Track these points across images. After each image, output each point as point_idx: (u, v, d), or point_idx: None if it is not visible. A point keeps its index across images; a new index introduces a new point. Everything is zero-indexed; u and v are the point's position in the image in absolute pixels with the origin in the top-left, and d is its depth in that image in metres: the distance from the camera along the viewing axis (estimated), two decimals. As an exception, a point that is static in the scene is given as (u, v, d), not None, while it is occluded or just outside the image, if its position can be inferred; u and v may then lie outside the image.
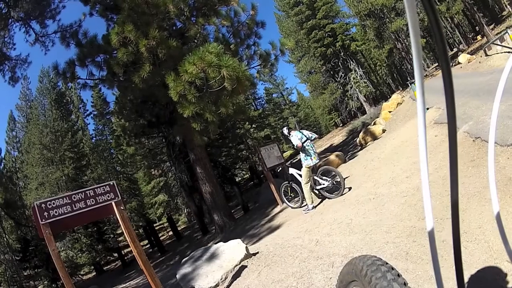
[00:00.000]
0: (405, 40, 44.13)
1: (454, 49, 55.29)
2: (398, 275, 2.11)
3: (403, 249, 4.68)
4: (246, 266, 7.27)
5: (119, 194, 6.32)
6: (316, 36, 48.90)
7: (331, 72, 51.55)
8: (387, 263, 2.22)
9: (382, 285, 2.07)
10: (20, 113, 50.43)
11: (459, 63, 33.55)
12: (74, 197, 5.94)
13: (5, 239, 21.87)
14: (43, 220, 5.53)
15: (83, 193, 6.06)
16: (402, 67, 50.14)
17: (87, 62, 14.50)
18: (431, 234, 1.27)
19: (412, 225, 5.19)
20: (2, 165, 44.09)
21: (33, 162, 35.72)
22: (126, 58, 12.50)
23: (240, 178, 49.88)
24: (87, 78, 15.04)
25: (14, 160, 49.03)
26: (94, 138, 49.79)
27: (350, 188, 9.95)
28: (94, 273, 33.85)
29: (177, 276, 8.26)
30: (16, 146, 50.33)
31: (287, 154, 45.64)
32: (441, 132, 9.99)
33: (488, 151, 1.58)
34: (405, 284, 2.07)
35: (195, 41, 15.80)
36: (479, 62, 26.95)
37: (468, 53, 35.76)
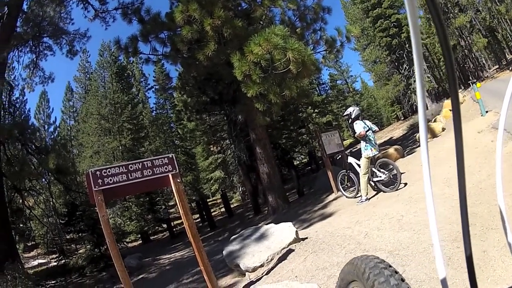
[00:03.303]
0: (468, 38, 43.03)
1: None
2: (402, 280, 2.06)
3: (446, 254, 4.59)
4: (293, 250, 7.28)
5: (177, 167, 6.38)
6: (382, 26, 48.15)
7: (396, 64, 50.72)
8: (390, 266, 2.17)
9: None
10: (78, 84, 51.96)
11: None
12: (131, 167, 6.05)
13: (51, 203, 22.37)
14: (96, 186, 5.62)
15: (141, 164, 6.16)
16: (465, 65, 48.98)
17: (150, 38, 14.75)
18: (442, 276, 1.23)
19: (459, 230, 5.00)
20: (57, 132, 45.33)
21: (89, 131, 36.63)
22: (190, 36, 12.63)
23: (298, 162, 50.08)
24: (150, 53, 15.28)
25: (69, 128, 50.47)
26: (154, 112, 50.46)
27: (405, 184, 9.79)
28: (140, 241, 34.56)
29: (223, 252, 8.37)
30: (73, 115, 51.77)
31: (347, 142, 45.27)
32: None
33: (496, 155, 1.53)
34: None
35: (261, 22, 15.81)
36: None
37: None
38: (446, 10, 42.08)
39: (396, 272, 2.11)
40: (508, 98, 1.34)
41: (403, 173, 10.34)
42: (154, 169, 6.23)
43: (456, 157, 1.03)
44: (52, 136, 41.81)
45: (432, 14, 0.81)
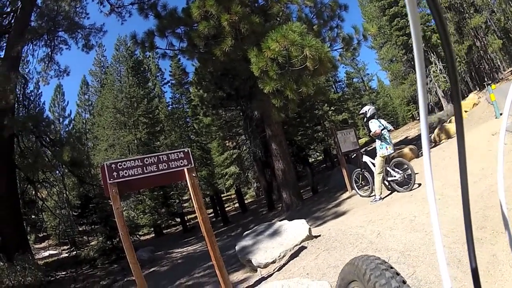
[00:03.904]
0: (483, 39, 42.65)
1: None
2: (403, 282, 2.06)
3: (456, 256, 4.60)
4: (305, 247, 7.31)
5: (192, 162, 6.44)
6: (399, 24, 47.55)
7: (412, 63, 49.84)
8: (391, 267, 2.17)
9: None
10: (93, 78, 52.48)
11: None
12: (147, 160, 6.11)
13: (64, 195, 22.62)
14: (111, 179, 5.70)
15: (156, 157, 6.22)
16: (480, 66, 48.45)
17: (166, 33, 14.87)
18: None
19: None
20: (72, 125, 45.72)
21: (104, 124, 36.89)
22: (207, 31, 12.76)
23: (313, 159, 50.19)
24: (167, 48, 15.43)
25: (84, 121, 50.87)
26: (170, 106, 50.69)
27: (419, 184, 9.74)
28: (153, 234, 34.74)
29: (236, 247, 8.44)
30: (88, 109, 52.29)
31: (362, 141, 45.18)
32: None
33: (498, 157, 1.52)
34: None
35: (278, 19, 15.88)
36: None
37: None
38: (462, 10, 41.80)
39: (398, 274, 2.11)
40: (511, 100, 1.34)
41: (417, 173, 10.30)
42: (170, 163, 6.28)
43: (459, 166, 1.03)
44: (67, 129, 42.26)
45: (433, 14, 0.81)
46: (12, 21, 19.04)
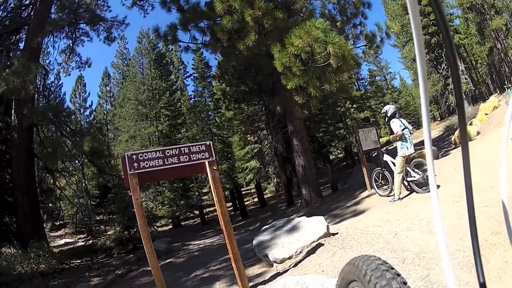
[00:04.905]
0: (504, 41, 42.13)
1: None
2: (404, 283, 2.06)
3: (470, 261, 4.56)
4: (322, 245, 7.32)
5: (213, 154, 6.48)
6: (421, 23, 47.16)
7: (434, 63, 49.45)
8: (392, 268, 2.18)
9: None
10: (115, 70, 52.59)
11: None
12: (168, 152, 6.16)
13: (83, 184, 22.86)
14: (132, 170, 5.78)
15: (178, 149, 6.27)
16: (501, 68, 47.71)
17: (189, 27, 14.93)
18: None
19: (484, 237, 5.03)
20: (93, 116, 46.08)
21: (126, 116, 37.24)
22: (230, 26, 12.79)
23: (334, 157, 49.90)
24: (190, 41, 15.52)
25: (105, 112, 50.93)
26: (192, 99, 51.34)
27: (438, 186, 9.35)
28: (171, 226, 34.74)
29: (253, 241, 8.50)
30: (110, 100, 52.28)
31: (383, 140, 44.98)
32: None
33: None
34: None
35: (301, 15, 15.90)
36: None
37: None
38: (483, 12, 41.39)
39: (398, 275, 2.12)
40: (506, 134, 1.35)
41: (436, 175, 10.23)
42: (191, 155, 6.32)
43: (464, 173, 1.04)
44: (88, 120, 42.72)
45: (435, 13, 0.82)
46: (32, 13, 19.16)
